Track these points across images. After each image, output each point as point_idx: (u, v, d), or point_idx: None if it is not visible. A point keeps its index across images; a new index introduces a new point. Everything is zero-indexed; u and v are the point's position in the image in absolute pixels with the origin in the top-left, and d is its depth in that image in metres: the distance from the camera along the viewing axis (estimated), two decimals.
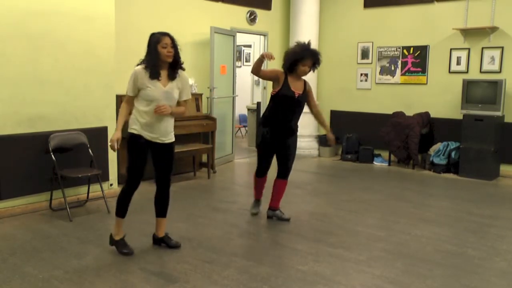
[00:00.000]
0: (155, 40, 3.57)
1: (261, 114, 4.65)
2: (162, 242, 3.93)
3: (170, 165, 3.85)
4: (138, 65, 3.62)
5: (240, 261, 3.64)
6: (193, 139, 6.86)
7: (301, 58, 4.31)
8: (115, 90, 5.44)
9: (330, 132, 4.67)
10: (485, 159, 6.72)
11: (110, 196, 5.08)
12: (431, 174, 7.13)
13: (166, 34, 3.61)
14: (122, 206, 3.76)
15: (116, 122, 3.69)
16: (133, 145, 3.66)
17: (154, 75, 3.56)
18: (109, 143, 3.61)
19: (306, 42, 4.43)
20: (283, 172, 4.68)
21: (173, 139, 3.81)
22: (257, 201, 4.91)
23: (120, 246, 3.77)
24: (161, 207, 3.91)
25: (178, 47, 3.64)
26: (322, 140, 8.53)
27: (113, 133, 3.62)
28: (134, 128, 3.65)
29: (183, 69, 3.74)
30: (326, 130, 4.72)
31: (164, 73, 3.62)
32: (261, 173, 4.74)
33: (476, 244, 4.11)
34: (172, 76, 3.65)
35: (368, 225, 4.61)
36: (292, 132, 4.53)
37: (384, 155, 7.96)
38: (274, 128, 4.46)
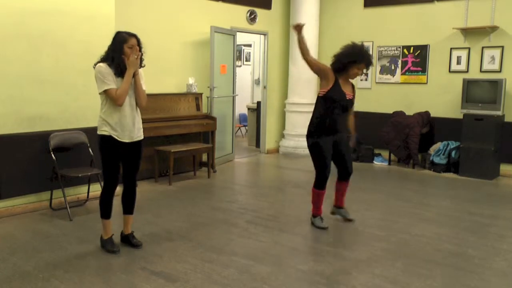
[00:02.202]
0: (122, 39, 3.56)
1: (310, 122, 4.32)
2: (127, 239, 3.94)
3: (138, 164, 3.88)
4: (98, 62, 3.58)
5: (240, 261, 3.64)
6: (193, 138, 6.87)
7: (359, 60, 4.15)
8: None
9: (353, 133, 4.49)
10: (485, 159, 6.71)
11: None
12: (431, 174, 7.12)
13: (133, 35, 3.60)
14: (105, 208, 3.80)
15: (127, 80, 3.53)
16: (106, 146, 3.65)
17: (120, 73, 3.55)
18: (135, 58, 3.51)
19: (361, 44, 4.27)
20: (344, 174, 4.50)
21: (142, 137, 3.82)
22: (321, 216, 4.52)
23: (107, 245, 3.79)
24: (128, 205, 3.94)
25: (142, 50, 3.64)
26: None
27: (129, 65, 3.51)
28: (105, 129, 3.63)
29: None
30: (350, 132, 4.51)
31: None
32: (324, 182, 4.33)
33: (476, 244, 4.11)
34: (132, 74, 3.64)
35: (368, 224, 4.61)
36: (337, 131, 4.28)
37: (384, 154, 7.96)
38: (325, 132, 4.24)
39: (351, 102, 4.32)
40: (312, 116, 4.34)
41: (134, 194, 3.95)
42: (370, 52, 4.31)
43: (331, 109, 4.21)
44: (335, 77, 4.19)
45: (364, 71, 4.35)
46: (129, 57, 3.54)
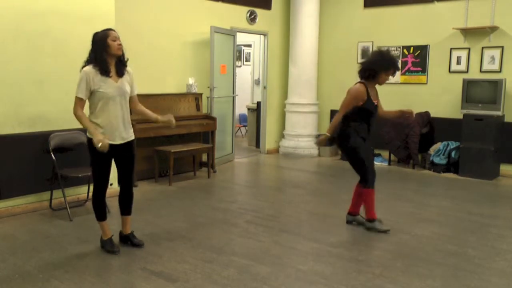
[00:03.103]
0: (103, 35, 3.55)
1: (341, 129, 4.37)
2: (127, 239, 3.94)
3: (132, 165, 3.87)
4: (84, 66, 3.57)
5: (240, 261, 3.65)
6: (193, 138, 6.87)
7: (389, 67, 4.26)
8: None
9: (401, 111, 4.55)
10: (485, 159, 6.71)
11: (110, 195, 5.03)
12: (431, 174, 7.12)
13: (111, 29, 3.61)
14: (99, 210, 3.80)
15: (87, 127, 3.56)
16: (96, 150, 3.61)
17: (106, 71, 3.54)
18: (98, 146, 3.48)
19: (387, 50, 4.43)
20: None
21: (133, 137, 3.81)
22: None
23: (107, 245, 3.80)
24: (126, 206, 3.93)
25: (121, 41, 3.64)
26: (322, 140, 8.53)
27: (95, 136, 3.50)
28: None
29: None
30: (399, 114, 4.60)
31: (112, 69, 3.60)
32: (374, 178, 4.36)
33: (476, 244, 4.11)
34: (120, 73, 3.64)
35: None
36: (369, 137, 4.43)
37: (384, 154, 7.96)
38: (360, 135, 4.35)
39: (377, 108, 4.40)
40: (344, 122, 4.36)
41: (131, 195, 3.94)
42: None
43: (363, 119, 4.32)
44: (367, 90, 4.27)
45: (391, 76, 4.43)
46: (114, 48, 3.52)
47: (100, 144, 3.48)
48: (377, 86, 4.44)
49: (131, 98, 3.78)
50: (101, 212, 3.80)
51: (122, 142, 3.70)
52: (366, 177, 4.33)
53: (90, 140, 3.63)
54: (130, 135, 3.78)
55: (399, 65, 4.43)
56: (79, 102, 3.55)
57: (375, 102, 4.33)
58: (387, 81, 4.40)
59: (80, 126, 5.01)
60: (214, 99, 7.21)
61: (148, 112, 3.95)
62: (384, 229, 4.37)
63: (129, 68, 3.74)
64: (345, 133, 4.34)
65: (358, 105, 4.27)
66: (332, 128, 4.35)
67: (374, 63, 4.29)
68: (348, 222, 4.64)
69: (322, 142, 4.39)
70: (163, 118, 3.91)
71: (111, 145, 3.62)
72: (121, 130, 3.68)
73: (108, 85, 3.55)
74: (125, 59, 3.68)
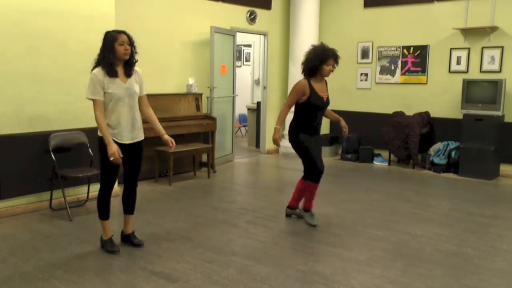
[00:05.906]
0: (111, 38, 3.56)
1: (290, 125, 4.55)
2: (128, 239, 3.95)
3: (139, 165, 3.88)
4: (94, 67, 3.59)
5: (240, 261, 3.65)
6: (193, 138, 6.87)
7: (325, 59, 4.33)
8: None
9: (342, 120, 4.69)
10: (485, 159, 6.72)
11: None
12: (431, 174, 7.13)
13: (122, 32, 3.61)
14: (103, 209, 3.81)
15: (104, 136, 3.55)
16: (105, 148, 3.60)
17: (113, 73, 3.55)
18: (111, 158, 3.51)
19: (321, 44, 4.52)
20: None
21: (142, 137, 3.82)
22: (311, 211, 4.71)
23: (107, 245, 3.81)
24: (129, 205, 3.95)
25: (134, 44, 3.64)
26: (322, 140, 8.54)
27: (109, 147, 3.51)
28: None
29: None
30: (338, 120, 4.73)
31: (120, 71, 3.62)
32: (319, 174, 4.46)
33: (476, 244, 4.11)
34: (128, 74, 3.66)
35: (368, 225, 4.61)
36: (318, 131, 4.55)
37: (384, 154, 7.96)
38: (306, 132, 4.46)
39: (327, 102, 4.53)
40: (292, 120, 4.55)
41: (135, 194, 3.96)
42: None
43: (309, 113, 4.44)
44: (310, 85, 4.39)
45: (336, 65, 4.50)
46: (120, 53, 3.53)
47: (112, 158, 3.51)
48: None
49: (139, 99, 3.78)
50: (105, 211, 3.81)
51: (130, 142, 3.71)
52: (311, 171, 4.44)
53: (101, 139, 3.63)
54: (139, 136, 3.78)
55: (337, 53, 4.43)
56: (95, 104, 3.56)
57: (322, 96, 4.43)
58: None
59: (80, 126, 5.08)
60: (214, 99, 7.21)
61: (156, 122, 3.90)
62: (313, 223, 4.54)
63: (137, 68, 3.75)
64: (292, 129, 4.51)
65: (302, 100, 4.38)
66: (279, 120, 4.47)
67: (310, 60, 4.39)
68: (287, 215, 4.80)
69: (275, 133, 4.44)
70: (166, 138, 3.88)
71: (120, 145, 3.62)
72: (130, 131, 3.69)
73: (116, 86, 3.57)
74: (134, 61, 3.68)
